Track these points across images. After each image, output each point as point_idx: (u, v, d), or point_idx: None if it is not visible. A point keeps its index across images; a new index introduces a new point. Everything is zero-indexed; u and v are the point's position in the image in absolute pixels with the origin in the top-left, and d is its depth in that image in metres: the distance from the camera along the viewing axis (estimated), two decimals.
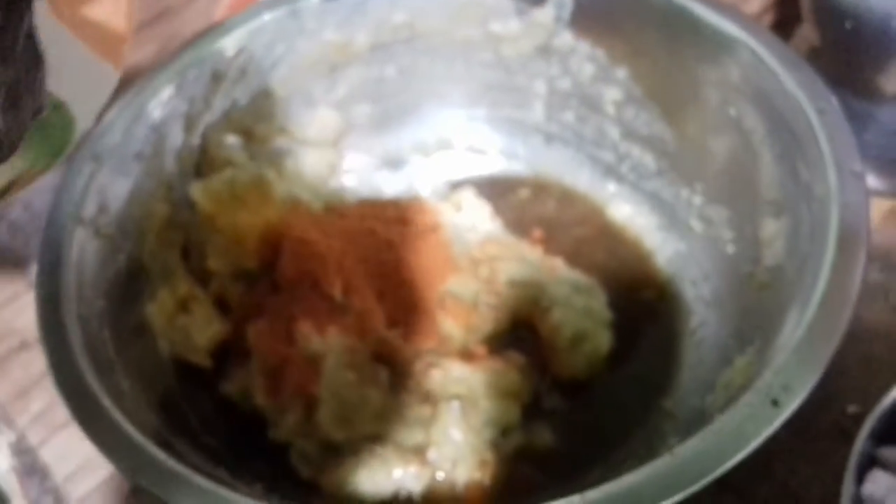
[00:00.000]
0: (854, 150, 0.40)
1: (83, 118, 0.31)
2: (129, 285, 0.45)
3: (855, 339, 0.49)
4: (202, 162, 0.50)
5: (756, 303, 0.43)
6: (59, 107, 0.30)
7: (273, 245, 0.47)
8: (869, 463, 0.40)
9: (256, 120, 0.52)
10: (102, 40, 0.30)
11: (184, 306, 0.47)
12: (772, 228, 0.43)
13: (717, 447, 0.32)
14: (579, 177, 0.56)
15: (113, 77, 0.31)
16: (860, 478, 0.39)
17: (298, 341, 0.43)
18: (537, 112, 0.57)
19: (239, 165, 0.51)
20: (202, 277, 0.49)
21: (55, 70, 0.28)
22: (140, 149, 0.47)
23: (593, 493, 0.31)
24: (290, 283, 0.45)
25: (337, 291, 0.45)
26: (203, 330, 0.45)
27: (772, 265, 0.43)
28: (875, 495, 0.39)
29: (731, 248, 0.48)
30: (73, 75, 0.30)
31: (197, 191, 0.48)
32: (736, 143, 0.46)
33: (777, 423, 0.32)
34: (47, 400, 0.52)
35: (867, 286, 0.51)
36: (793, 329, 0.36)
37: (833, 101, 0.42)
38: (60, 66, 0.29)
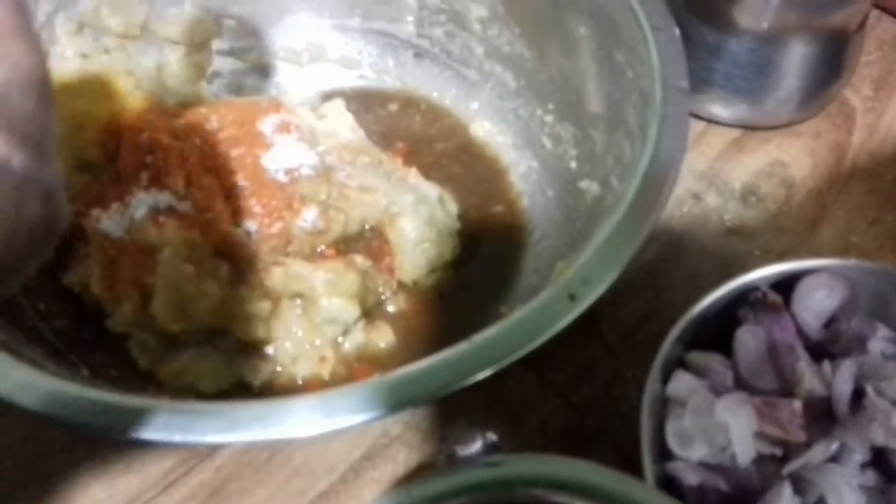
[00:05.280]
0: (683, 68, 0.39)
1: None
2: None
3: (685, 257, 0.50)
4: (53, 52, 0.47)
5: (587, 216, 0.43)
6: None
7: (116, 137, 0.44)
8: (677, 365, 0.40)
9: (114, 13, 0.49)
10: None
11: None
12: (605, 142, 0.43)
13: (512, 336, 0.32)
14: (446, 94, 0.55)
15: None
16: (666, 378, 0.39)
17: (134, 232, 0.41)
18: (408, 26, 0.55)
19: (91, 58, 0.47)
20: None
21: None
22: None
23: (392, 376, 0.31)
24: (131, 175, 0.43)
25: (178, 185, 0.43)
26: None
27: (602, 178, 0.42)
28: (678, 394, 0.39)
29: (574, 165, 0.47)
30: None
31: None
32: (581, 62, 0.45)
33: (573, 314, 0.32)
34: None
35: (704, 209, 0.52)
36: (603, 233, 0.35)
37: (670, 21, 0.41)
38: None
